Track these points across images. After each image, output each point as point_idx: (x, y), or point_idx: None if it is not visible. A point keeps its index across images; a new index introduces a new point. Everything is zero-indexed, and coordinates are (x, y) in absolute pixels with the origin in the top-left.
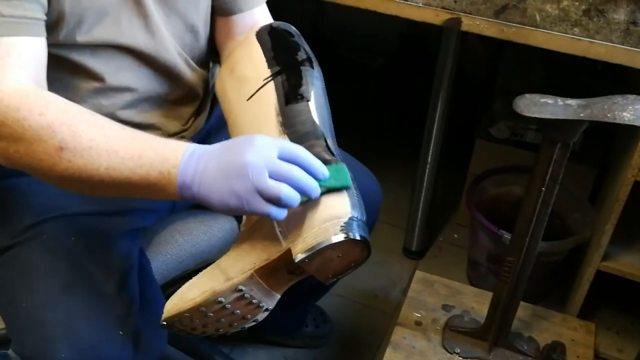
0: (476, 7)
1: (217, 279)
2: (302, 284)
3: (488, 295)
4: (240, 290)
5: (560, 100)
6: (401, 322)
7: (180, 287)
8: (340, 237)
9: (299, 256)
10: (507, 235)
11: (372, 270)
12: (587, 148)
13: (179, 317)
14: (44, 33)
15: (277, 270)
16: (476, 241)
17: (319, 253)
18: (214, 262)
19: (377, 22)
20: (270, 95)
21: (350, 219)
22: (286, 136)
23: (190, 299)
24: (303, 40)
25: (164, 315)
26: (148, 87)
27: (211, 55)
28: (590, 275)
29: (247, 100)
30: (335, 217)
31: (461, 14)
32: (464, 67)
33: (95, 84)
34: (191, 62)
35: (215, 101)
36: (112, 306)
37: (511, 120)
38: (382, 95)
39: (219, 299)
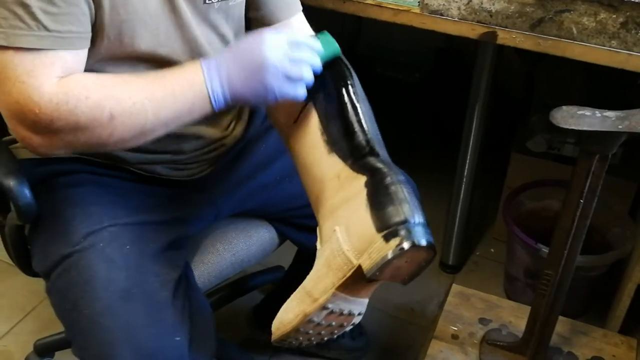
0: (512, 20)
1: (306, 302)
2: None
3: (526, 309)
4: (328, 308)
5: (598, 112)
6: (438, 335)
7: (222, 295)
8: (403, 247)
9: (369, 272)
10: (545, 249)
11: (408, 284)
12: (628, 161)
13: (284, 337)
14: (87, 45)
15: (357, 282)
16: (513, 256)
17: (386, 265)
18: (251, 272)
19: (413, 38)
20: (312, 115)
21: (408, 225)
22: (334, 154)
23: (288, 323)
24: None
25: (272, 338)
26: None
27: None
28: (631, 291)
29: (294, 122)
30: (393, 226)
31: (497, 27)
32: (500, 80)
33: None
34: None
35: (254, 111)
36: (167, 313)
37: (548, 134)
38: (419, 110)
39: (312, 318)
